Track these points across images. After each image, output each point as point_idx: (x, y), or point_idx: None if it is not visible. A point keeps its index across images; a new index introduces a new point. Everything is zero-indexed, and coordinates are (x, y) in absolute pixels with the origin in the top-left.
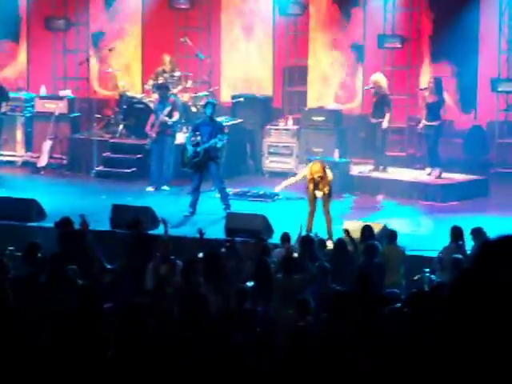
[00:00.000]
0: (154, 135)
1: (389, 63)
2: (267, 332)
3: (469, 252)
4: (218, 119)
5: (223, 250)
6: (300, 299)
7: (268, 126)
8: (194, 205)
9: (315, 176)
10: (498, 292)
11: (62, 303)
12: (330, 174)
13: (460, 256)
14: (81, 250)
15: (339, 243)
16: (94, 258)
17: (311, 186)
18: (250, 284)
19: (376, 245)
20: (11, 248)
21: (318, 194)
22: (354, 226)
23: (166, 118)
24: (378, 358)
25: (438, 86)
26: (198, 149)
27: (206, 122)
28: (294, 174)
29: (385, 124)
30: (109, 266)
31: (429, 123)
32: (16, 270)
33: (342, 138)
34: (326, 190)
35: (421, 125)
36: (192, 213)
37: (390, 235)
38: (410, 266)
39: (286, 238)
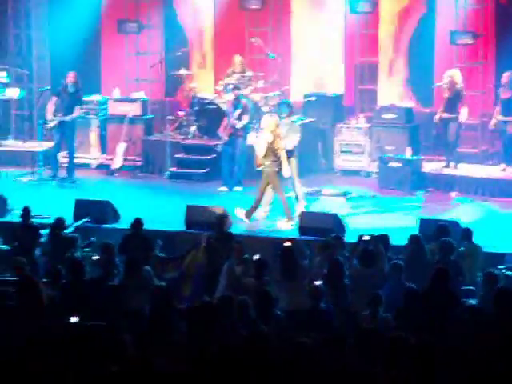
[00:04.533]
0: (226, 137)
1: (461, 59)
2: (341, 331)
3: None
4: (292, 118)
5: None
6: (373, 295)
7: (339, 125)
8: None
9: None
10: None
11: (137, 303)
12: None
13: None
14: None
15: (413, 239)
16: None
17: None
18: (317, 283)
19: (452, 242)
20: (87, 249)
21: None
22: None
23: (236, 122)
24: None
25: None
26: None
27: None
28: (367, 173)
29: (463, 117)
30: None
31: (504, 119)
32: (91, 272)
33: (413, 136)
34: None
35: (492, 122)
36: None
37: (464, 233)
38: (485, 262)
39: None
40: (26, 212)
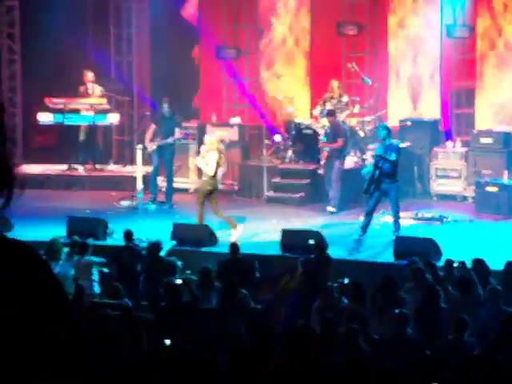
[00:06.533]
0: (323, 161)
1: None
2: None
3: None
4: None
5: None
6: (457, 319)
7: (436, 149)
8: (365, 228)
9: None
10: None
11: (233, 326)
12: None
13: None
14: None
15: (509, 265)
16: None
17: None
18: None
19: None
20: (188, 272)
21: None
22: None
23: (325, 145)
24: None
25: None
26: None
27: (379, 145)
28: (463, 198)
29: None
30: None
31: None
32: (188, 294)
33: (511, 160)
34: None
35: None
36: (361, 236)
37: None
38: None
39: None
40: (128, 235)
